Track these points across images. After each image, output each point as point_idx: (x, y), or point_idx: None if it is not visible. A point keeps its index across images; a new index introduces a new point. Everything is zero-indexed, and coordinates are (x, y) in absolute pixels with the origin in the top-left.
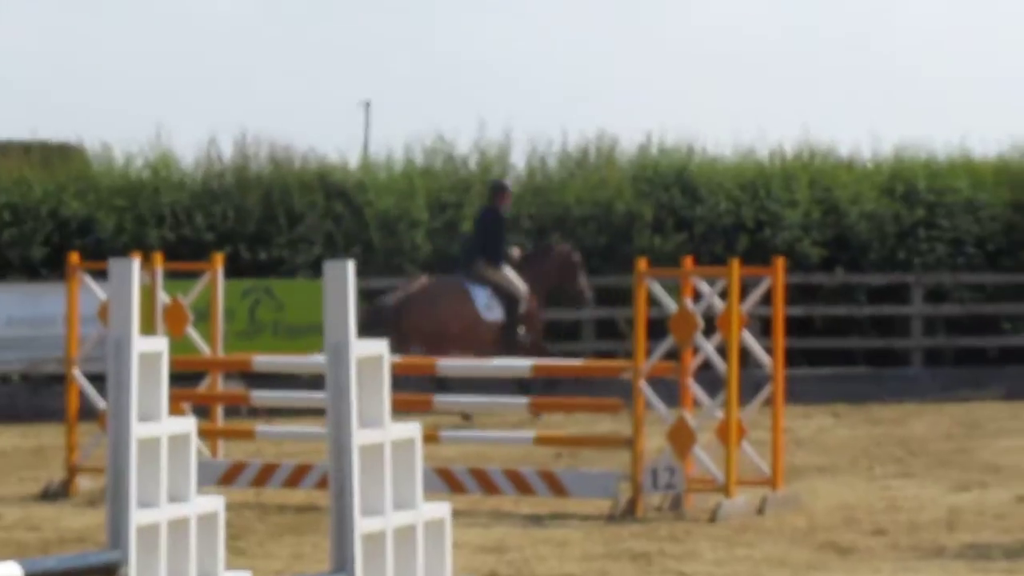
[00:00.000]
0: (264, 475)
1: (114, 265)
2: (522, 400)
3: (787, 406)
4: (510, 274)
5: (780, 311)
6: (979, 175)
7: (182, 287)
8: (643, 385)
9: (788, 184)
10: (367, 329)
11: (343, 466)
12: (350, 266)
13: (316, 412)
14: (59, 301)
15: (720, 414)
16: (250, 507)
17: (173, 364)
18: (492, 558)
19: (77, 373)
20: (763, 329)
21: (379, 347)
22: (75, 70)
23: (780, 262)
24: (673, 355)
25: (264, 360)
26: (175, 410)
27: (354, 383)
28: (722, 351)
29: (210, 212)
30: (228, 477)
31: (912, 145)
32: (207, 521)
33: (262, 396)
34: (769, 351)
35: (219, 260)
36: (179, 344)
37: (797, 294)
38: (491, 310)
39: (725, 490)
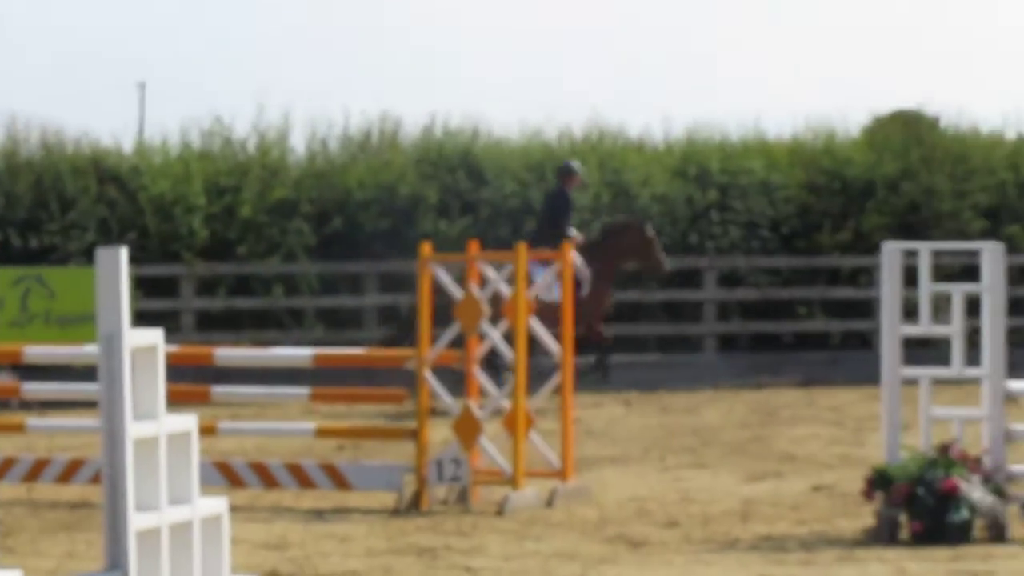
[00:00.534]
0: (36, 470)
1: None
2: (303, 390)
3: (577, 395)
4: (575, 256)
5: (569, 297)
6: (773, 156)
7: None
8: (428, 374)
9: None
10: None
11: (116, 460)
12: (123, 253)
13: (90, 405)
14: None
15: (508, 404)
16: (21, 504)
17: None
18: (273, 555)
19: None
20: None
21: (154, 337)
22: None
23: (567, 246)
24: (459, 343)
25: (36, 351)
26: None
27: (128, 374)
28: (509, 339)
29: None
30: None
31: (705, 126)
32: None
33: (34, 388)
34: (558, 339)
35: None
36: None
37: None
38: (551, 291)
39: (513, 482)
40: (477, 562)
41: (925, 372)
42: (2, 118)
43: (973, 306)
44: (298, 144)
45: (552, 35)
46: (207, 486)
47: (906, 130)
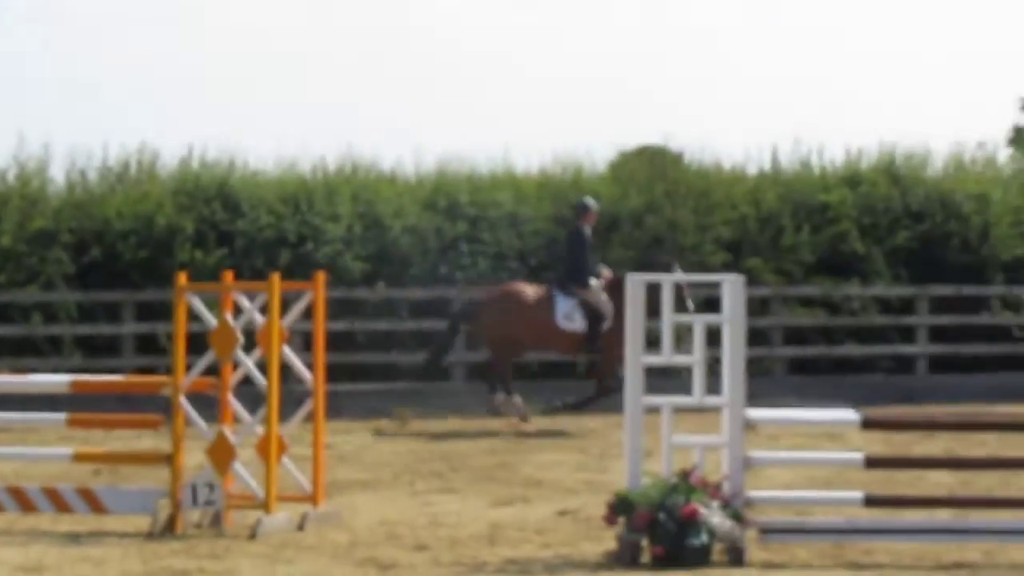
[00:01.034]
0: None
1: None
2: (60, 416)
3: (329, 422)
4: (598, 293)
5: (321, 326)
6: (522, 189)
7: None
8: (183, 401)
9: (330, 198)
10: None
11: None
12: None
13: None
14: None
15: (261, 430)
16: None
17: None
18: None
19: None
20: (305, 344)
21: None
22: None
23: (321, 277)
24: (214, 370)
25: None
26: None
27: None
28: (262, 366)
29: None
30: None
31: (455, 159)
32: None
33: None
34: (310, 367)
35: None
36: None
37: (339, 309)
38: (571, 320)
39: (265, 506)
40: None
41: (667, 400)
42: None
43: (714, 336)
44: (57, 174)
45: (307, 64)
46: None
47: (651, 165)
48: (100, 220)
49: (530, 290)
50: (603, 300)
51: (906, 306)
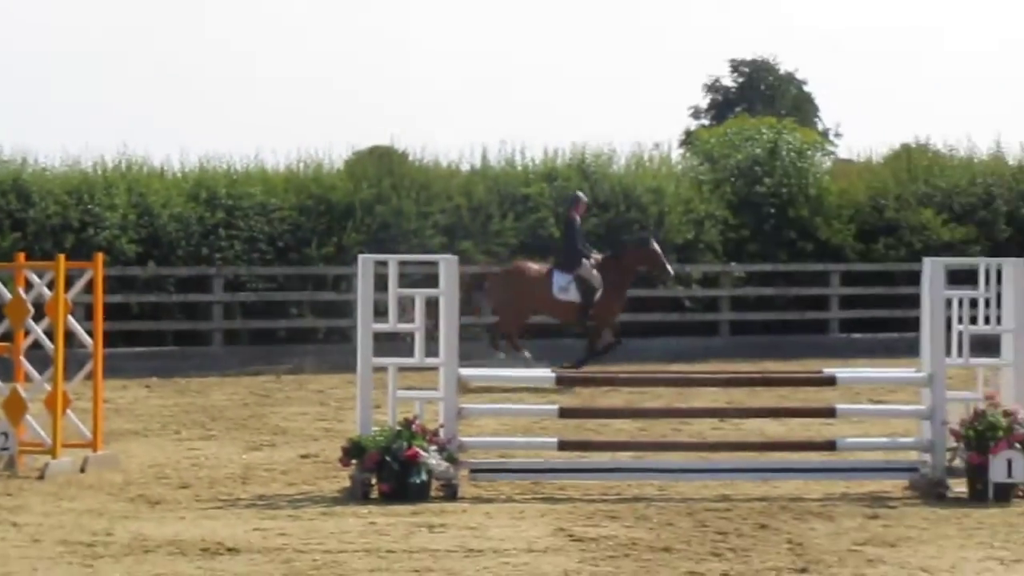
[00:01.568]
0: None
1: None
2: None
3: (107, 380)
4: (590, 270)
5: (100, 299)
6: (271, 183)
7: None
8: None
9: (109, 190)
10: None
11: None
12: None
13: None
14: None
15: (49, 387)
16: None
17: None
18: None
19: None
20: (87, 314)
21: None
22: None
23: (100, 257)
24: (8, 337)
25: None
26: None
27: None
28: (50, 333)
29: None
30: None
31: (215, 157)
32: None
33: None
34: (91, 333)
35: None
36: None
37: (116, 284)
38: (565, 292)
39: (52, 452)
40: (22, 519)
41: (392, 361)
42: None
43: (432, 307)
44: None
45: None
46: None
47: (380, 162)
48: None
49: (534, 268)
50: (594, 276)
51: None
